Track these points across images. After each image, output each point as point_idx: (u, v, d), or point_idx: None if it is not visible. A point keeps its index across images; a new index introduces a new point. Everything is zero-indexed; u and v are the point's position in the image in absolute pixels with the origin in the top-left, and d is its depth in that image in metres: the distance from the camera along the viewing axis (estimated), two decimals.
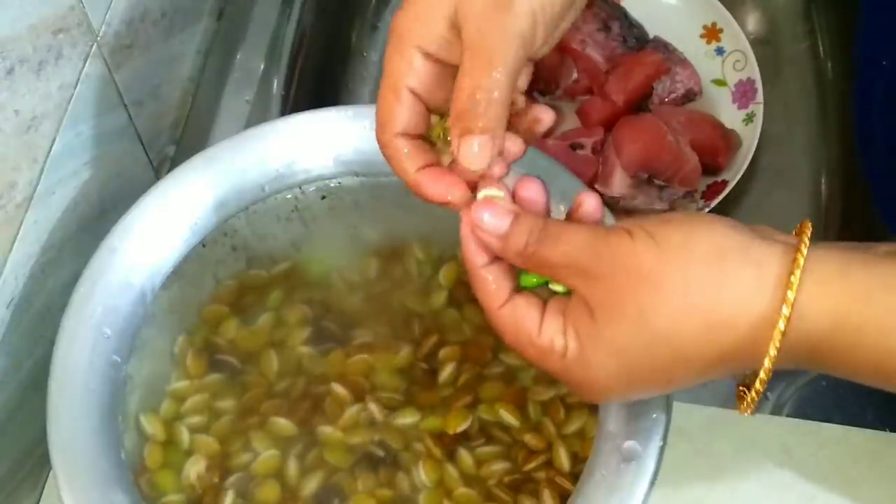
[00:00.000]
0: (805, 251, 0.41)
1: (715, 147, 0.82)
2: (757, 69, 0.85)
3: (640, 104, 0.85)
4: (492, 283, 0.45)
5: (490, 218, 0.44)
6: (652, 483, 0.50)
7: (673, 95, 0.85)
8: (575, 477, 0.55)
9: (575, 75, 0.85)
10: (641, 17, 0.88)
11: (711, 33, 0.88)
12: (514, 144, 0.48)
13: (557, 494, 0.56)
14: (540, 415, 0.59)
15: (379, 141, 0.48)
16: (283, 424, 0.60)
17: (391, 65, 0.47)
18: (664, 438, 0.51)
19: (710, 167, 0.82)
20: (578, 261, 0.43)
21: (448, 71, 0.47)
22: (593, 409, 0.57)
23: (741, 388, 0.45)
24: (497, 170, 0.46)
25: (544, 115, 0.49)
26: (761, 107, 0.84)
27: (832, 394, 0.66)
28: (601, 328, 0.43)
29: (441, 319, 0.63)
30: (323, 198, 0.64)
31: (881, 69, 0.68)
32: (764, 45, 0.92)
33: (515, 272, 0.46)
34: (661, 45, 0.86)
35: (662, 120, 0.81)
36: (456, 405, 0.59)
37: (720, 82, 0.87)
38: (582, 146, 0.81)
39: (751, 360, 0.42)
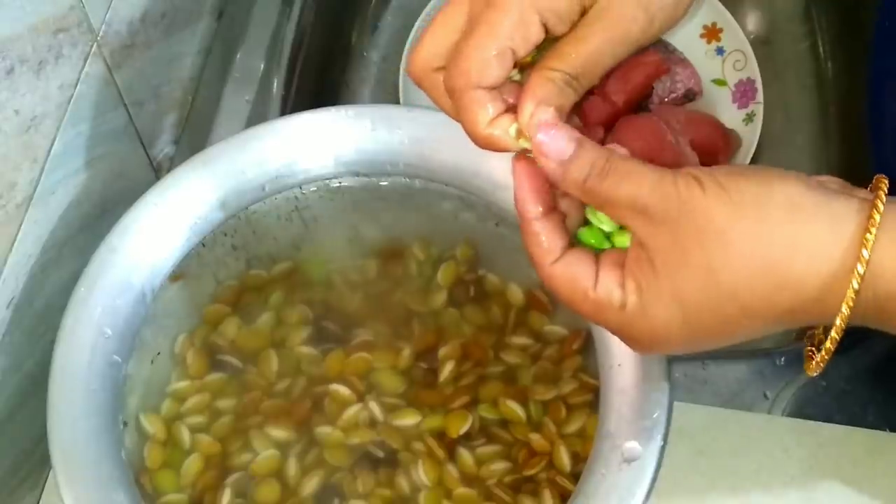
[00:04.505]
0: (882, 207, 0.39)
1: (715, 147, 0.82)
2: (757, 69, 0.85)
3: (640, 104, 0.84)
4: (544, 239, 0.43)
5: (555, 140, 0.41)
6: (652, 483, 0.50)
7: (673, 95, 0.85)
8: (575, 477, 0.55)
9: None
10: None
11: (711, 33, 0.88)
12: None
13: (558, 494, 0.56)
14: (541, 414, 0.59)
15: (454, 88, 0.44)
16: (283, 424, 0.60)
17: (501, 20, 0.43)
18: (664, 438, 0.51)
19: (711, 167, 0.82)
20: (645, 202, 0.41)
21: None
22: (594, 408, 0.57)
23: (809, 348, 0.45)
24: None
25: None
26: (761, 107, 0.84)
27: (832, 394, 0.65)
28: (663, 279, 0.41)
29: (441, 319, 0.63)
30: (322, 198, 0.64)
31: None
32: (764, 45, 0.92)
33: (570, 227, 0.44)
34: (661, 45, 0.86)
35: (662, 120, 0.81)
36: (456, 405, 0.59)
37: (720, 82, 0.87)
38: None
39: (819, 316, 0.41)
